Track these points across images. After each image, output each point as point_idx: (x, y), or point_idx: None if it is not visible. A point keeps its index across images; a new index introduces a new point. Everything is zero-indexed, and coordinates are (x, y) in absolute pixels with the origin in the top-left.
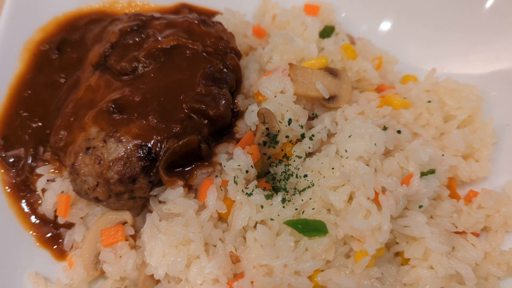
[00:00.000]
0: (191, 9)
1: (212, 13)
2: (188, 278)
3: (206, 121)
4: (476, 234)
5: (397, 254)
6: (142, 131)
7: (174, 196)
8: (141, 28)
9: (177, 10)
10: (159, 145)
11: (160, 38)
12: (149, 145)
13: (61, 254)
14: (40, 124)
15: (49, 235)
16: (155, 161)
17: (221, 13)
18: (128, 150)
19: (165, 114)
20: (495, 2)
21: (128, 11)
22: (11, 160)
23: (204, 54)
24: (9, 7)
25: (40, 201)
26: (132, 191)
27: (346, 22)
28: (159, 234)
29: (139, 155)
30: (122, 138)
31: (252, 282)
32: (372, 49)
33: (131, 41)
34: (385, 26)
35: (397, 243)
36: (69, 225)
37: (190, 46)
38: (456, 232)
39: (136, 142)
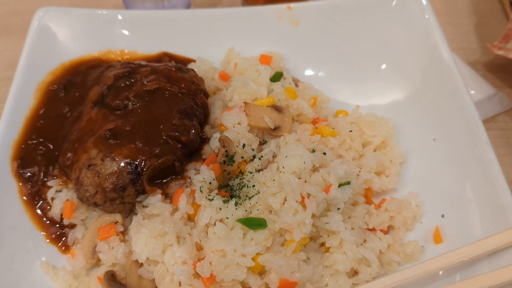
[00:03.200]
0: (170, 57)
1: (188, 61)
2: (163, 260)
3: (180, 145)
4: (385, 232)
5: (322, 244)
6: (131, 152)
7: (154, 201)
8: (131, 74)
9: (159, 57)
10: (143, 163)
11: (145, 82)
12: (136, 163)
13: (65, 248)
14: (50, 147)
15: (56, 233)
16: (140, 175)
17: (194, 61)
18: (120, 167)
19: (148, 140)
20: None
21: (121, 59)
22: (26, 175)
23: (179, 94)
24: (26, 56)
25: (49, 207)
26: (123, 197)
27: (293, 69)
28: (142, 228)
29: (128, 170)
30: (115, 157)
31: (210, 263)
32: (311, 91)
33: (123, 84)
34: (322, 72)
35: (321, 236)
36: (72, 226)
37: (169, 88)
38: (368, 229)
39: (126, 160)
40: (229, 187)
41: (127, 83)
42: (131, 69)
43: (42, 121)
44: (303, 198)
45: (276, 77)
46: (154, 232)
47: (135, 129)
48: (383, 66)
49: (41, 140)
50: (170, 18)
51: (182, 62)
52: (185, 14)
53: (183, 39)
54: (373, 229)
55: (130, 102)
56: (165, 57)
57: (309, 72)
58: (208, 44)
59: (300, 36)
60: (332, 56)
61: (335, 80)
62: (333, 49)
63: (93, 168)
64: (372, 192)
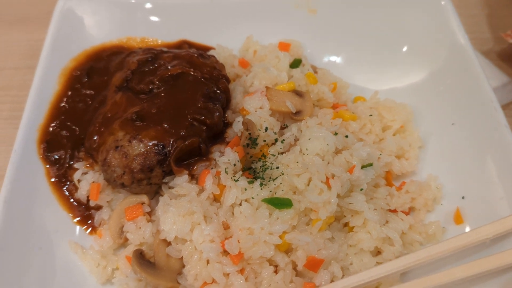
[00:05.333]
0: (190, 44)
1: (207, 48)
2: (192, 239)
3: (204, 127)
4: (406, 213)
5: (345, 224)
6: (157, 134)
7: (181, 181)
8: (154, 59)
9: (179, 45)
10: (170, 144)
11: (169, 67)
12: (163, 144)
13: (92, 229)
14: (75, 131)
15: (82, 215)
16: (167, 156)
17: (214, 48)
18: (148, 148)
19: (174, 122)
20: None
21: (141, 46)
22: (53, 158)
23: (202, 79)
24: (49, 43)
25: (75, 190)
26: (150, 178)
27: (310, 56)
28: (170, 208)
29: (156, 151)
30: (142, 139)
31: (238, 241)
32: (330, 77)
33: (146, 69)
34: (340, 59)
35: (344, 216)
36: (97, 207)
37: (192, 73)
38: (390, 211)
39: (153, 142)
40: (252, 169)
41: (151, 68)
42: (154, 54)
43: (66, 106)
44: (327, 178)
45: (295, 63)
46: (182, 211)
47: (161, 112)
48: (401, 52)
49: (66, 123)
50: (190, 6)
51: (201, 50)
52: (203, 2)
53: (202, 27)
54: (395, 211)
55: (155, 86)
56: (185, 44)
57: (326, 59)
58: (226, 32)
59: (317, 23)
60: (349, 43)
61: (352, 67)
62: (349, 36)
63: (120, 149)
64: (392, 175)
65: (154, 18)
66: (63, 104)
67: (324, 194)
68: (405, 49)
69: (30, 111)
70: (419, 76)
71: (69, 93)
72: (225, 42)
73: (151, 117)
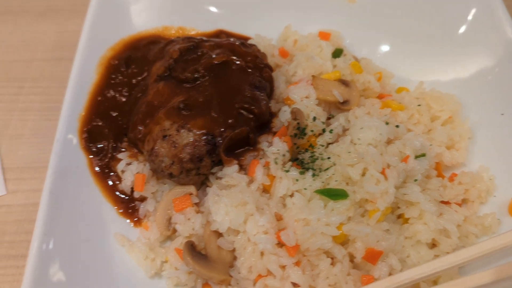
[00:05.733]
0: (227, 34)
1: (244, 38)
2: (246, 230)
3: (252, 117)
4: (459, 205)
5: (399, 216)
6: (206, 123)
7: (231, 172)
8: (195, 48)
9: (217, 35)
10: (219, 133)
11: (213, 56)
12: (212, 133)
13: (137, 221)
14: (115, 121)
15: (127, 206)
16: (216, 146)
17: (250, 38)
18: (196, 137)
19: (222, 111)
20: (466, 30)
21: (179, 35)
22: (95, 149)
23: (246, 68)
24: (87, 32)
25: (118, 181)
26: (199, 168)
27: (350, 46)
28: (223, 198)
29: (205, 140)
30: (191, 128)
31: (294, 232)
32: (373, 67)
33: (189, 58)
34: (381, 49)
35: (398, 207)
36: (142, 199)
37: (236, 62)
38: (442, 202)
39: (202, 131)
40: (299, 160)
41: (194, 56)
42: (195, 43)
43: (105, 95)
44: (383, 169)
45: (337, 53)
46: (235, 202)
47: (208, 101)
48: (444, 42)
49: (106, 113)
50: None
51: (239, 40)
52: None
53: (237, 17)
54: (448, 202)
55: (200, 75)
56: (222, 34)
57: (364, 50)
58: (261, 21)
59: (356, 13)
60: (389, 33)
61: (393, 57)
62: (389, 26)
63: (168, 139)
64: (441, 166)
65: (190, 7)
66: (102, 94)
67: (381, 184)
68: (448, 39)
69: (70, 101)
70: (465, 67)
71: (108, 82)
72: (261, 32)
73: (198, 106)
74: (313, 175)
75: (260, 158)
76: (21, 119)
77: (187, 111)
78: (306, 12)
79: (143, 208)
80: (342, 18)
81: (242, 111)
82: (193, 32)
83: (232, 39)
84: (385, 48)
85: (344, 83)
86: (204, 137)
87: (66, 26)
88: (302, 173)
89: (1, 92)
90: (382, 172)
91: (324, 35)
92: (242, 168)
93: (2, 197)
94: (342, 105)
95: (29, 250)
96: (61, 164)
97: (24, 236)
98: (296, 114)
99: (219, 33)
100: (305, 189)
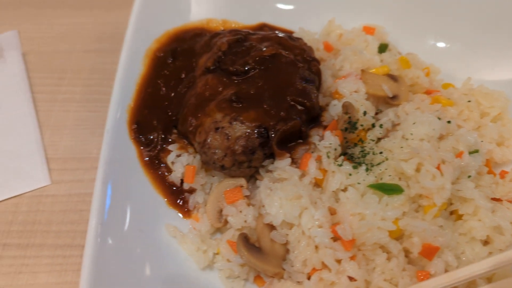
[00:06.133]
0: (270, 28)
1: (287, 32)
2: (300, 223)
3: (304, 110)
4: (511, 202)
5: (451, 213)
6: (258, 116)
7: (283, 165)
8: (243, 41)
9: (260, 28)
10: (271, 126)
11: (263, 48)
12: (265, 126)
13: (186, 212)
14: (164, 112)
15: (177, 197)
16: (268, 138)
17: (293, 32)
18: (249, 130)
19: (274, 104)
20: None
21: (223, 28)
22: (144, 140)
23: (295, 61)
24: (134, 23)
25: (167, 173)
26: (251, 161)
27: (393, 41)
28: (277, 191)
29: (258, 133)
30: (244, 120)
31: (350, 226)
32: (419, 62)
33: (238, 50)
34: (424, 45)
35: (451, 203)
36: (191, 190)
37: (285, 55)
38: (493, 199)
39: (255, 124)
40: (348, 155)
41: (243, 48)
42: (243, 36)
43: (153, 87)
44: (438, 164)
45: (382, 48)
46: (289, 195)
47: (260, 93)
48: (490, 38)
49: (154, 105)
50: None
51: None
52: None
53: (278, 11)
54: (499, 199)
55: (250, 67)
56: (265, 27)
57: (408, 45)
58: (302, 15)
59: (398, 8)
60: (433, 29)
61: (436, 53)
62: (432, 22)
63: (221, 131)
64: (491, 163)
65: (233, 0)
66: (150, 85)
67: (437, 179)
68: (491, 39)
69: (118, 92)
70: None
71: (155, 74)
72: (301, 26)
73: (249, 98)
74: (367, 169)
75: (312, 152)
76: (63, 110)
77: (239, 103)
78: (348, 7)
79: (192, 199)
80: (384, 12)
81: (294, 105)
82: (235, 25)
83: (278, 32)
84: (428, 43)
85: (392, 78)
86: (257, 130)
87: (104, 19)
88: (355, 167)
89: (42, 83)
90: (437, 168)
91: (369, 30)
92: (293, 162)
93: (47, 187)
94: (391, 100)
95: (86, 239)
96: (112, 155)
97: (70, 226)
98: (347, 108)
99: (262, 26)
100: (358, 183)
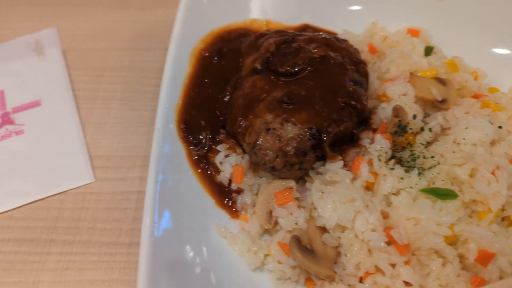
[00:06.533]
0: (313, 29)
1: (330, 33)
2: (354, 227)
3: (354, 112)
4: None
5: (503, 219)
6: (310, 117)
7: (335, 167)
8: (291, 42)
9: (302, 29)
10: (323, 128)
11: (312, 50)
12: (317, 128)
13: (234, 213)
14: (211, 112)
15: (224, 197)
16: (320, 141)
17: (335, 33)
18: (301, 131)
19: (325, 106)
20: None
21: (267, 28)
22: (192, 140)
23: (344, 63)
24: (180, 22)
25: (214, 172)
26: (302, 163)
27: (437, 44)
28: (330, 194)
29: (310, 135)
30: (296, 122)
31: (405, 230)
32: (466, 66)
33: (286, 51)
34: (469, 48)
35: (503, 210)
36: (238, 191)
37: (333, 56)
38: None
39: (307, 125)
40: (397, 158)
41: (291, 49)
42: (290, 36)
43: (200, 87)
44: (492, 170)
45: (427, 51)
46: (343, 198)
47: (311, 95)
48: None
49: (202, 105)
50: None
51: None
52: None
53: (320, 12)
54: None
55: (300, 68)
56: (308, 28)
57: (452, 48)
58: (344, 16)
59: (443, 11)
60: (478, 32)
61: (481, 57)
62: (477, 25)
63: (272, 132)
64: None
65: (276, 0)
66: (196, 85)
67: (493, 185)
68: None
69: (166, 91)
70: None
71: (201, 73)
72: (343, 27)
73: (301, 99)
74: (419, 174)
75: (362, 155)
76: (104, 108)
77: (290, 104)
78: (390, 8)
79: (240, 200)
80: (428, 15)
81: (345, 107)
82: (282, 24)
83: (323, 33)
84: (473, 47)
85: (441, 81)
86: (309, 132)
87: (140, 17)
88: (407, 171)
89: (82, 81)
90: (492, 173)
91: (414, 32)
92: (344, 164)
93: (91, 185)
94: (440, 104)
95: (141, 238)
96: (162, 154)
97: (115, 224)
98: (398, 111)
99: (305, 27)
100: (410, 187)
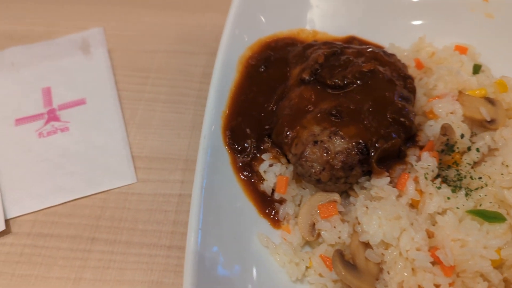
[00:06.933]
0: (360, 41)
1: (376, 46)
2: (399, 244)
3: (402, 128)
4: None
5: None
6: (359, 131)
7: (381, 183)
8: (339, 54)
9: (349, 41)
10: (371, 143)
11: (361, 63)
12: (365, 142)
13: (276, 222)
14: (257, 121)
15: (266, 207)
16: (368, 156)
17: (383, 47)
18: (350, 145)
19: (374, 120)
20: None
21: (314, 39)
22: (237, 147)
23: (392, 78)
24: (229, 29)
25: (258, 181)
26: (348, 177)
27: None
28: (375, 210)
29: (358, 149)
30: (344, 136)
31: (452, 251)
32: None
33: (335, 63)
34: None
35: None
36: (281, 201)
37: (382, 71)
38: None
39: (355, 139)
40: (442, 177)
41: (341, 62)
42: (339, 49)
43: (246, 94)
44: None
45: (475, 69)
46: (389, 215)
47: (360, 109)
48: None
49: (248, 113)
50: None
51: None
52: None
53: (369, 24)
54: None
55: (349, 81)
56: (354, 40)
57: (500, 67)
58: (391, 30)
59: (492, 28)
60: None
61: None
62: None
63: (320, 144)
64: None
65: (322, 12)
66: (243, 93)
67: None
68: None
69: (214, 97)
70: None
71: (248, 81)
72: (388, 41)
73: (349, 113)
74: (466, 194)
75: (408, 172)
76: (148, 109)
77: (339, 117)
78: (437, 23)
79: (283, 210)
80: (475, 32)
81: (393, 123)
82: (329, 35)
83: (372, 47)
84: None
85: (490, 101)
86: (357, 146)
87: (187, 20)
88: (453, 191)
89: (127, 81)
90: None
91: (462, 49)
92: (390, 181)
93: (133, 185)
94: (488, 124)
95: (186, 243)
96: (208, 160)
97: (156, 225)
98: (446, 130)
99: (351, 39)
100: (457, 208)
